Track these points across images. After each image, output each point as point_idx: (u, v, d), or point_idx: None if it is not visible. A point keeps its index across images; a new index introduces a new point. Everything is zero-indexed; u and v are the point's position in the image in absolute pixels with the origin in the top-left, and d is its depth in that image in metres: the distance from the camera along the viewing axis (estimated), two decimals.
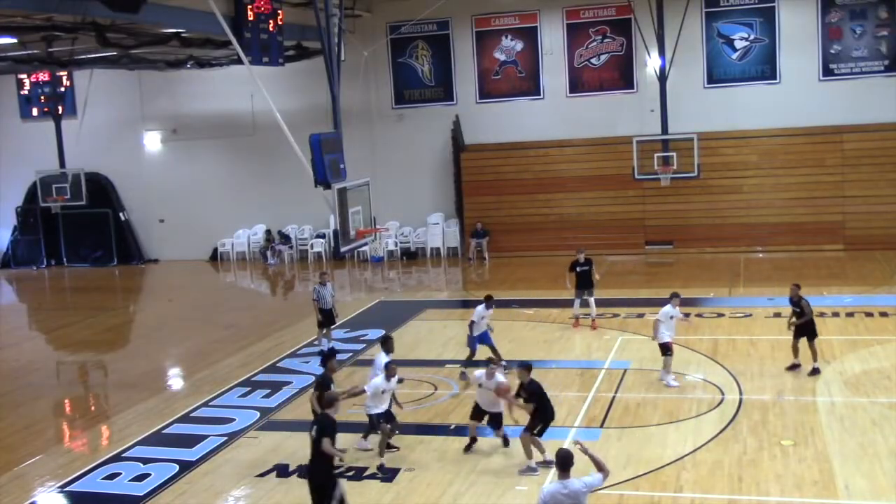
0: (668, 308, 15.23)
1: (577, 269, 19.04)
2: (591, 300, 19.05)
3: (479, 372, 12.84)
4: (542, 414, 11.87)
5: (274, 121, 16.16)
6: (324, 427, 10.06)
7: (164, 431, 14.43)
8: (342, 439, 11.58)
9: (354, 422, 13.07)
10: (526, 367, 12.19)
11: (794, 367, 15.18)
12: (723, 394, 14.34)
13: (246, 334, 20.81)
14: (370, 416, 12.57)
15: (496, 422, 12.68)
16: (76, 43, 22.24)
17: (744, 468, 11.53)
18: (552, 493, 8.01)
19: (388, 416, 12.69)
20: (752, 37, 27.34)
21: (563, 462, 8.10)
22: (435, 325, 20.63)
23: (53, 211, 29.06)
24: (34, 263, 33.83)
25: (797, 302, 15.23)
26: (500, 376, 12.62)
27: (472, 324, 16.22)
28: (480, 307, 16.24)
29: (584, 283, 19.04)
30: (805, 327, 15.14)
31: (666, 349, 14.98)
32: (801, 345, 15.21)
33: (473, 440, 12.78)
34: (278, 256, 31.14)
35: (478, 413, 12.74)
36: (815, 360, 15.07)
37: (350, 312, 21.83)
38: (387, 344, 13.80)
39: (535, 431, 11.87)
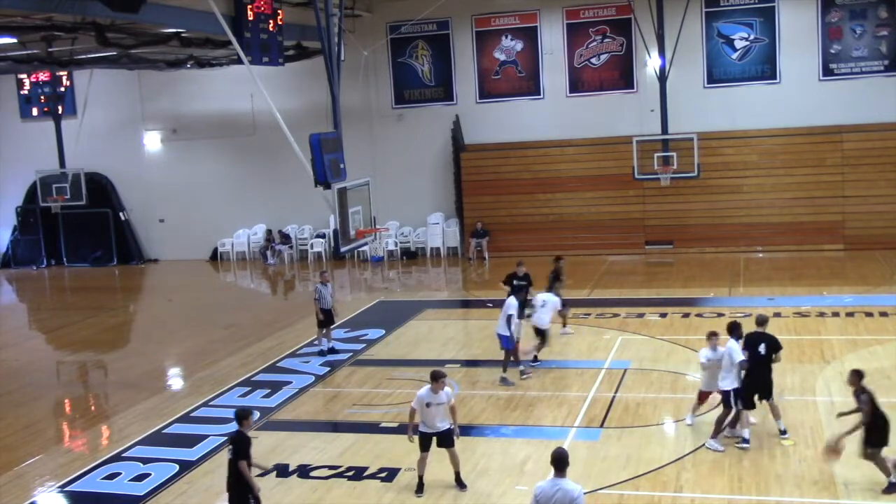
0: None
1: (514, 282, 16.73)
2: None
3: (423, 391, 11.11)
4: None
5: (274, 121, 16.20)
6: (239, 448, 9.91)
7: (164, 431, 14.44)
8: None
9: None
10: None
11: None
12: None
13: (246, 334, 20.81)
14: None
15: (448, 440, 11.21)
16: (76, 43, 22.26)
17: (744, 468, 11.54)
18: (543, 489, 8.05)
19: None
20: (752, 37, 27.33)
21: (558, 462, 8.09)
22: (435, 324, 20.62)
23: (53, 211, 29.02)
24: (34, 263, 33.82)
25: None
26: (448, 389, 11.28)
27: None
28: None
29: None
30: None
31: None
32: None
33: (422, 481, 11.29)
34: (278, 256, 31.12)
35: (426, 441, 11.18)
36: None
37: (350, 312, 21.84)
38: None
39: None
